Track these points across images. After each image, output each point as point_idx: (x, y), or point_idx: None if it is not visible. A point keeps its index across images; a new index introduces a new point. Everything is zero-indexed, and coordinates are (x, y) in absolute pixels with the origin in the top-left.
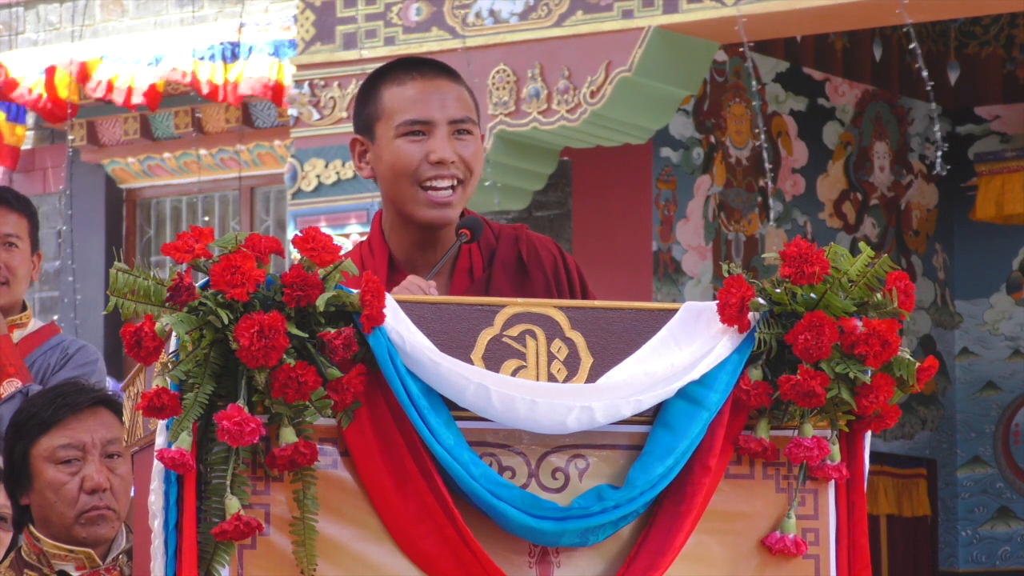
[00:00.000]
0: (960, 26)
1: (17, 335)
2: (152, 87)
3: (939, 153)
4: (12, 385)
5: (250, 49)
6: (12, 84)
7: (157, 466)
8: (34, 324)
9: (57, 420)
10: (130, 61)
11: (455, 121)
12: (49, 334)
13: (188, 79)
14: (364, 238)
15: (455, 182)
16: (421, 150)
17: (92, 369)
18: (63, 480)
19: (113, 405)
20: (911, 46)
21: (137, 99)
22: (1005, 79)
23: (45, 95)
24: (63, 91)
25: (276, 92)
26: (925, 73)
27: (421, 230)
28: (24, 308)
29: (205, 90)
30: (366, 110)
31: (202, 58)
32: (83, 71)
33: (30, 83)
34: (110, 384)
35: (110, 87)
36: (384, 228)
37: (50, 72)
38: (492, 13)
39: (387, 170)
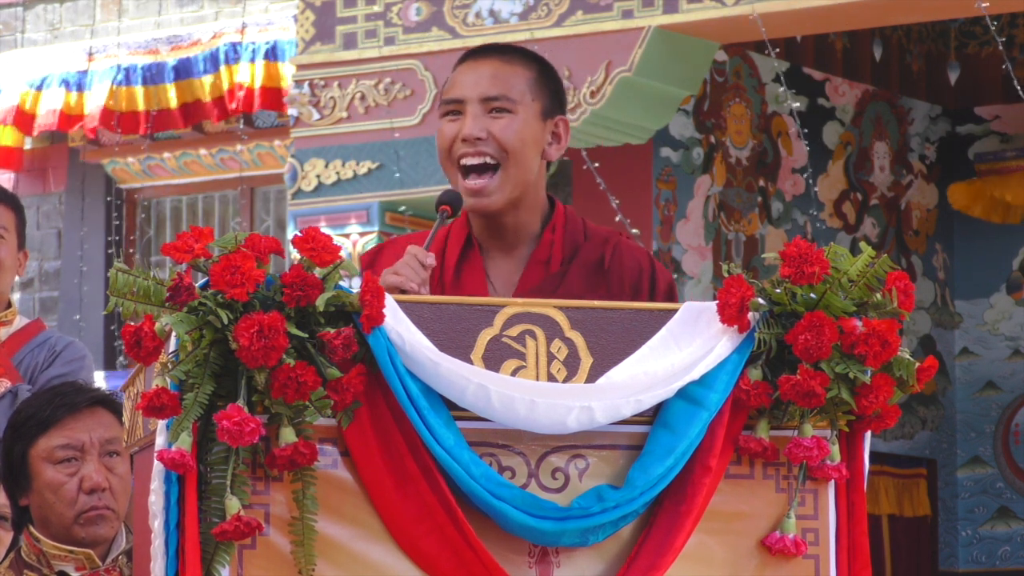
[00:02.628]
0: (960, 26)
1: (3, 333)
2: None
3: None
4: (1, 386)
5: (253, 51)
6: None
7: (157, 466)
8: (20, 321)
9: (55, 420)
10: (142, 80)
11: (488, 99)
12: (36, 331)
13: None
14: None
15: (488, 161)
16: (455, 129)
17: (80, 365)
18: (62, 480)
19: (111, 405)
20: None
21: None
22: (1005, 79)
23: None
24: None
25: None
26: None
27: (479, 216)
28: (9, 306)
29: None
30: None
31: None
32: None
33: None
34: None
35: (136, 122)
36: None
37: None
38: (492, 13)
39: (437, 150)
